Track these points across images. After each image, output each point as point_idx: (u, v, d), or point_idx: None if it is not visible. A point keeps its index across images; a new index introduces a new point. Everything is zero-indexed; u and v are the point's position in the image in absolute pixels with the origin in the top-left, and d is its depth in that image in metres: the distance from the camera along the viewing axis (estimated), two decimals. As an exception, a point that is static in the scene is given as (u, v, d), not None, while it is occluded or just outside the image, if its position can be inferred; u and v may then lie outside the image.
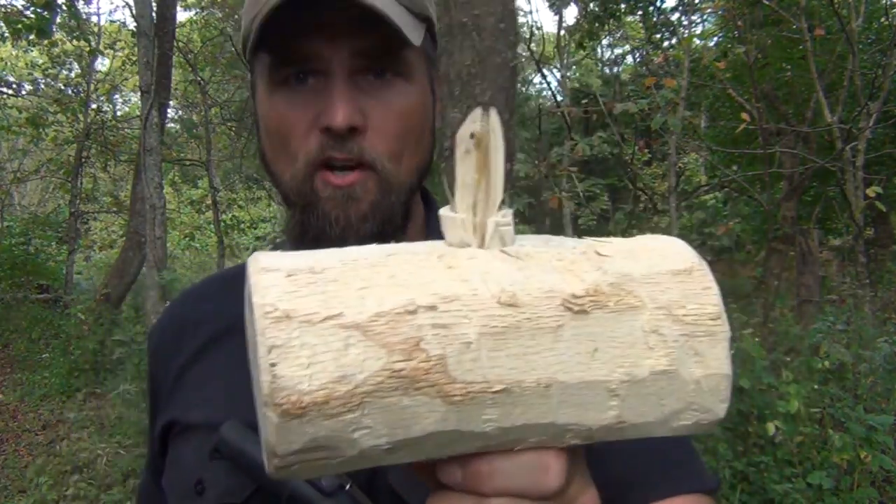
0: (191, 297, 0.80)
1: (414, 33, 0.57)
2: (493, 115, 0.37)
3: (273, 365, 0.32)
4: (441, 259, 0.37)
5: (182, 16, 11.45)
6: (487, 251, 0.38)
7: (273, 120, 0.61)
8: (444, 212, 0.40)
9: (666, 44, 8.35)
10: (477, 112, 0.37)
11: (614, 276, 0.38)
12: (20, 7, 6.80)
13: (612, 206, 11.55)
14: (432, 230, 0.69)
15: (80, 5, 10.32)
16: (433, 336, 0.34)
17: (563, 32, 10.21)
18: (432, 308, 0.34)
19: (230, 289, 0.73)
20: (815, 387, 3.05)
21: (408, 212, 0.65)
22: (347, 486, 0.56)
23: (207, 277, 0.84)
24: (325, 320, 0.33)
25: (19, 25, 6.04)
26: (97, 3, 37.46)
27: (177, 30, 7.95)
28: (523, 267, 0.37)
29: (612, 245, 0.41)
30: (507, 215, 0.39)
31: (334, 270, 0.35)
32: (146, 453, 0.83)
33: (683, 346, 0.38)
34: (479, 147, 0.37)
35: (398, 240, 0.64)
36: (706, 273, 0.41)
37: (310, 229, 0.61)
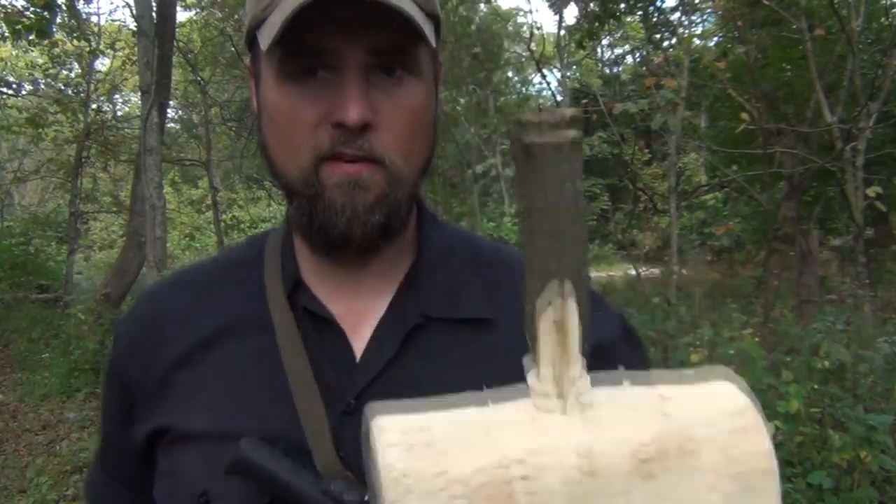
0: (173, 289, 0.73)
1: (428, 31, 0.57)
2: (568, 289, 0.39)
3: None
4: (533, 422, 0.41)
5: (182, 16, 11.45)
6: (568, 417, 0.41)
7: (281, 112, 0.60)
8: (530, 380, 0.42)
9: (666, 44, 8.35)
10: (554, 287, 0.39)
11: (677, 422, 0.41)
12: (20, 7, 6.80)
13: (612, 206, 11.55)
14: (423, 228, 0.70)
15: (80, 5, 10.32)
16: (524, 494, 0.38)
17: (563, 32, 10.20)
18: (522, 466, 0.38)
19: (225, 283, 0.70)
20: (815, 387, 3.04)
21: (411, 207, 0.65)
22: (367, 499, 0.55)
23: (189, 267, 0.77)
24: (434, 477, 0.38)
25: (19, 26, 6.03)
26: (97, 3, 37.45)
27: (177, 30, 7.94)
28: (597, 429, 0.41)
29: (672, 389, 0.44)
30: (583, 374, 0.41)
31: (439, 429, 0.40)
32: (97, 453, 0.77)
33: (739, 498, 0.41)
34: (561, 331, 0.40)
35: (397, 236, 0.64)
36: (759, 419, 0.43)
37: (315, 220, 0.60)
